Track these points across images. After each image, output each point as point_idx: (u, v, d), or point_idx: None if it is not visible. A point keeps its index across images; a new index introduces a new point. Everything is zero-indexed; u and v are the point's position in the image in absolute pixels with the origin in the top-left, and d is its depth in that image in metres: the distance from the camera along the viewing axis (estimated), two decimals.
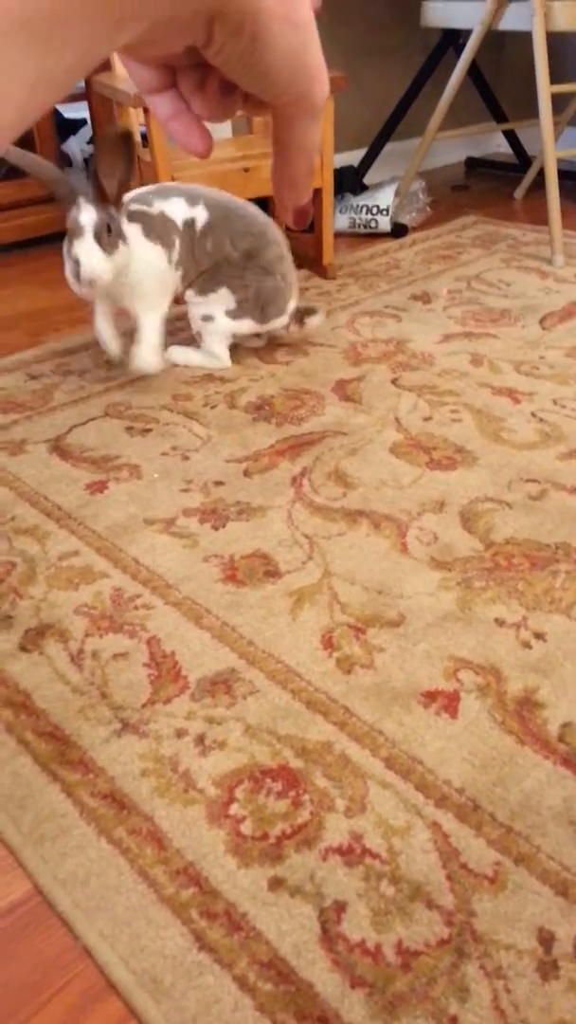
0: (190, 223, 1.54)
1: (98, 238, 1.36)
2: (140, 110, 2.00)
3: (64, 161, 2.66)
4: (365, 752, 0.86)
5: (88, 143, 3.07)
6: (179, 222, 1.53)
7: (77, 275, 1.37)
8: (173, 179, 1.96)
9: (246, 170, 2.01)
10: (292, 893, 0.73)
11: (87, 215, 1.36)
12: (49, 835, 0.79)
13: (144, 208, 1.50)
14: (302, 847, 0.77)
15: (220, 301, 1.59)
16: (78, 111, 3.17)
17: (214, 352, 1.66)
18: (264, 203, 2.44)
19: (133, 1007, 0.67)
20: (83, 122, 3.23)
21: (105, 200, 1.37)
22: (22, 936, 0.72)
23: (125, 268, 1.43)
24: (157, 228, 1.50)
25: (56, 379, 1.67)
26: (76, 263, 1.36)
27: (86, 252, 1.36)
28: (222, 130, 2.63)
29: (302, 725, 0.89)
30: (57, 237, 2.48)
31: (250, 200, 2.57)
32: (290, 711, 0.91)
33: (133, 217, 1.47)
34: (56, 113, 2.54)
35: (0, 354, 1.78)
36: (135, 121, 2.15)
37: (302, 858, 0.76)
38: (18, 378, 1.68)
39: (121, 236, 1.40)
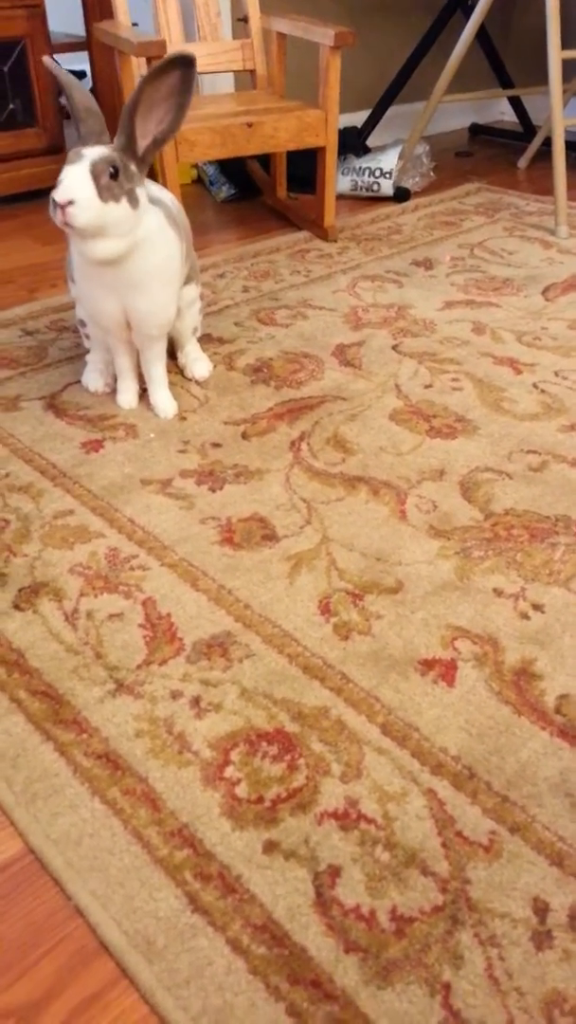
0: (167, 209, 1.29)
1: (95, 174, 1.10)
2: (144, 61, 1.93)
3: (62, 114, 2.56)
4: (361, 718, 0.84)
5: None
6: (173, 207, 1.31)
7: (57, 204, 1.10)
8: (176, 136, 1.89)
9: (249, 125, 1.94)
10: (286, 857, 0.72)
11: (95, 149, 1.11)
12: (41, 794, 0.77)
13: (155, 192, 1.26)
14: (297, 811, 0.75)
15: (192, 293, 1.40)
16: (77, 62, 3.06)
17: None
18: (265, 160, 2.37)
19: (125, 968, 0.65)
20: (82, 74, 3.12)
21: (132, 149, 1.15)
22: (13, 895, 0.71)
23: (140, 250, 1.19)
24: (175, 216, 1.28)
25: (51, 335, 1.62)
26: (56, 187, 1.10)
27: (71, 174, 1.10)
28: (223, 84, 2.54)
29: (298, 690, 0.87)
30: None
31: (254, 156, 2.50)
32: (286, 675, 0.89)
33: (154, 200, 1.24)
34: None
35: None
36: (137, 73, 2.07)
37: (297, 822, 0.74)
38: (12, 333, 1.63)
39: (129, 194, 1.14)
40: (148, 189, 1.25)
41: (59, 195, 1.10)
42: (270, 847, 0.72)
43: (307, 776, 0.78)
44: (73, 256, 1.26)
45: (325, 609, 0.98)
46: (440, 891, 0.69)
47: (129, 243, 1.17)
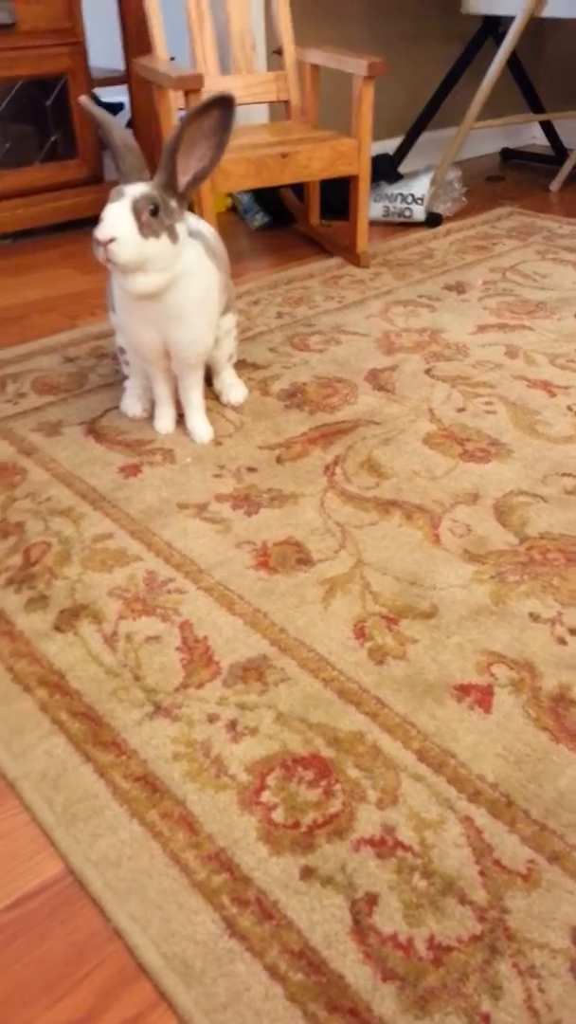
0: (206, 241, 1.32)
1: (136, 211, 1.13)
2: (181, 94, 1.98)
3: (101, 146, 2.63)
4: (397, 744, 0.84)
5: (126, 127, 3.04)
6: (212, 239, 1.33)
7: (97, 230, 1.14)
8: None
9: (284, 155, 1.98)
10: (323, 883, 0.72)
11: (136, 187, 1.14)
12: (81, 815, 0.78)
13: (195, 224, 1.28)
14: (334, 837, 0.75)
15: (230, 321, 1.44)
16: (116, 95, 3.14)
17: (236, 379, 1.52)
18: (299, 188, 2.41)
19: (164, 991, 0.66)
20: (120, 106, 3.21)
21: (173, 186, 1.17)
22: (54, 916, 0.72)
23: (179, 283, 1.22)
24: (213, 248, 1.30)
25: (91, 362, 1.66)
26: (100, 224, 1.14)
27: (113, 212, 1.13)
28: (258, 115, 2.59)
29: (334, 714, 0.88)
30: (96, 220, 2.48)
31: (288, 186, 2.54)
32: (322, 700, 0.89)
33: (193, 233, 1.27)
34: (94, 97, 2.52)
35: (37, 336, 1.77)
36: (175, 106, 2.12)
37: (334, 848, 0.74)
38: (54, 360, 1.67)
39: (169, 230, 1.17)
40: (187, 222, 1.28)
41: (101, 233, 1.13)
42: (307, 873, 0.73)
43: (343, 802, 0.78)
44: (114, 287, 1.30)
45: (360, 633, 0.98)
46: (478, 920, 0.69)
47: (169, 277, 1.20)
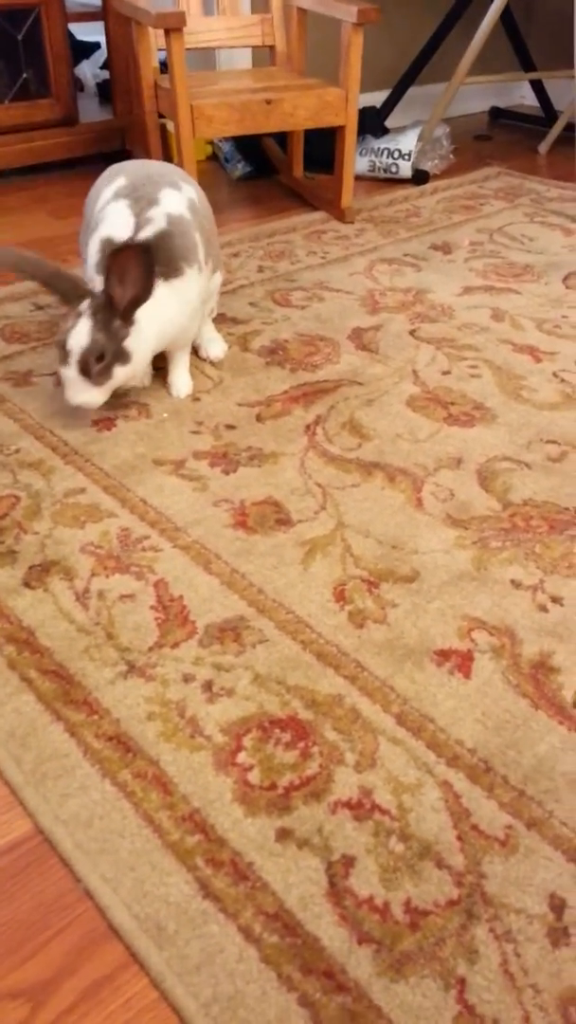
0: (191, 207, 1.29)
1: (84, 367, 1.15)
2: (160, 32, 1.89)
3: (76, 86, 2.52)
4: (376, 707, 0.83)
5: (101, 68, 2.92)
6: (187, 213, 1.27)
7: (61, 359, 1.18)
8: (192, 108, 1.86)
9: (268, 102, 1.91)
10: (300, 845, 0.71)
11: (77, 337, 1.14)
12: (52, 774, 0.76)
13: (163, 227, 1.22)
14: (310, 799, 0.75)
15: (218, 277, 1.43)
16: (92, 33, 3.01)
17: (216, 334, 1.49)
18: (281, 139, 2.34)
19: (135, 952, 0.65)
20: (96, 45, 3.08)
21: (112, 310, 1.16)
22: (22, 876, 0.70)
23: (170, 324, 1.25)
24: (177, 248, 1.23)
25: (63, 310, 1.60)
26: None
27: (70, 382, 1.17)
28: (241, 59, 2.50)
29: (312, 677, 0.86)
30: (69, 163, 2.38)
31: (271, 135, 2.46)
32: (300, 662, 0.88)
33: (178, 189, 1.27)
34: (69, 35, 2.40)
35: (6, 282, 1.71)
36: (154, 46, 2.03)
37: (310, 810, 0.74)
38: (24, 307, 1.61)
39: (119, 359, 1.17)
40: (172, 178, 1.29)
41: (71, 403, 1.19)
42: (283, 835, 0.72)
43: (320, 764, 0.78)
44: (88, 238, 1.26)
45: (340, 596, 0.97)
46: (455, 884, 0.69)
47: (145, 355, 1.24)
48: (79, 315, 1.16)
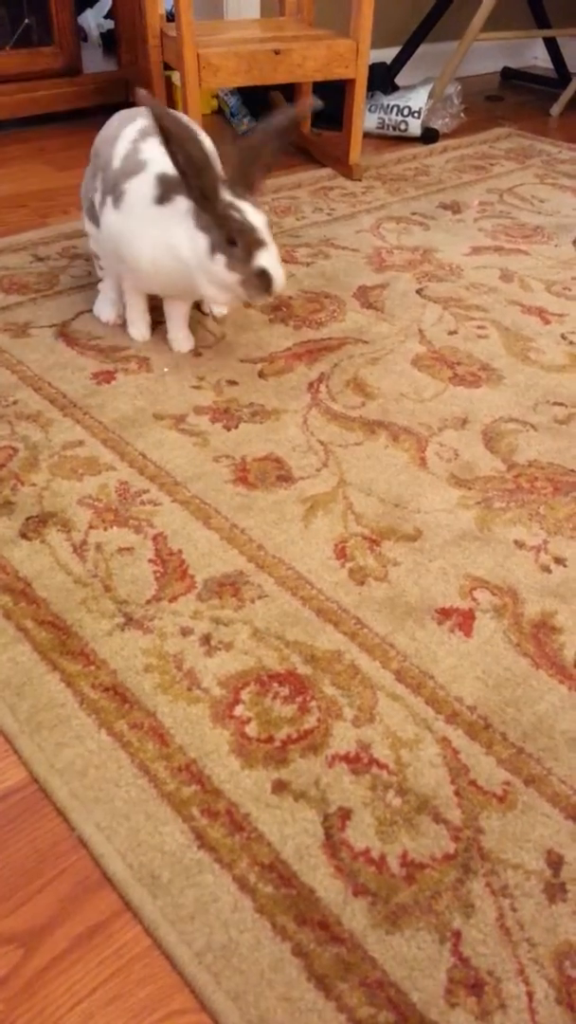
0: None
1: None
2: None
3: (80, 35, 2.45)
4: (375, 664, 0.82)
5: (106, 17, 2.83)
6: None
7: (265, 288, 1.11)
8: (198, 57, 1.80)
9: (276, 52, 1.85)
10: (296, 797, 0.70)
11: (258, 215, 1.10)
12: (47, 724, 0.75)
13: (163, 170, 1.15)
14: (308, 752, 0.73)
15: None
16: None
17: None
18: (289, 89, 2.27)
19: (128, 900, 0.64)
20: None
21: (251, 192, 1.12)
22: (16, 823, 0.69)
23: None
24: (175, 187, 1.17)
25: (63, 262, 1.56)
26: (262, 274, 1.10)
27: (276, 263, 1.11)
28: (250, 9, 2.43)
29: (311, 632, 0.85)
30: (70, 115, 2.31)
31: (278, 87, 2.39)
32: (299, 618, 0.87)
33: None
34: None
35: (5, 233, 1.67)
36: None
37: (307, 763, 0.73)
38: (23, 258, 1.57)
39: None
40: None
41: (277, 288, 1.11)
42: (280, 787, 0.71)
43: (318, 718, 0.76)
44: (92, 193, 1.24)
45: (341, 553, 0.95)
46: (452, 839, 0.68)
47: None
48: (235, 195, 1.10)
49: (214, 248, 1.10)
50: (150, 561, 0.92)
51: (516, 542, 0.98)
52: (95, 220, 1.26)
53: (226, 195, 1.09)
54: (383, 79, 2.48)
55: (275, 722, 0.76)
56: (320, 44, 1.90)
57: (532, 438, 1.15)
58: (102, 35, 2.78)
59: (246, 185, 1.12)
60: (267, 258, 1.10)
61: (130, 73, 2.37)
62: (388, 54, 2.65)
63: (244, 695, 0.78)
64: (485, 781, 0.72)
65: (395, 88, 2.48)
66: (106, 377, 1.24)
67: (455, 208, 1.88)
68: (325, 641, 0.84)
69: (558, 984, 0.60)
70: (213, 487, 1.04)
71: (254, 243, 1.09)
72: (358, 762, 0.73)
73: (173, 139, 1.06)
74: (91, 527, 0.96)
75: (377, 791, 0.71)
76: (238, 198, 1.10)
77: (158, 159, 1.15)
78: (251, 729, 0.75)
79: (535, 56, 3.26)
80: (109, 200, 1.19)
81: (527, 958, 0.61)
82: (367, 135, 2.30)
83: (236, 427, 1.15)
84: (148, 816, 0.69)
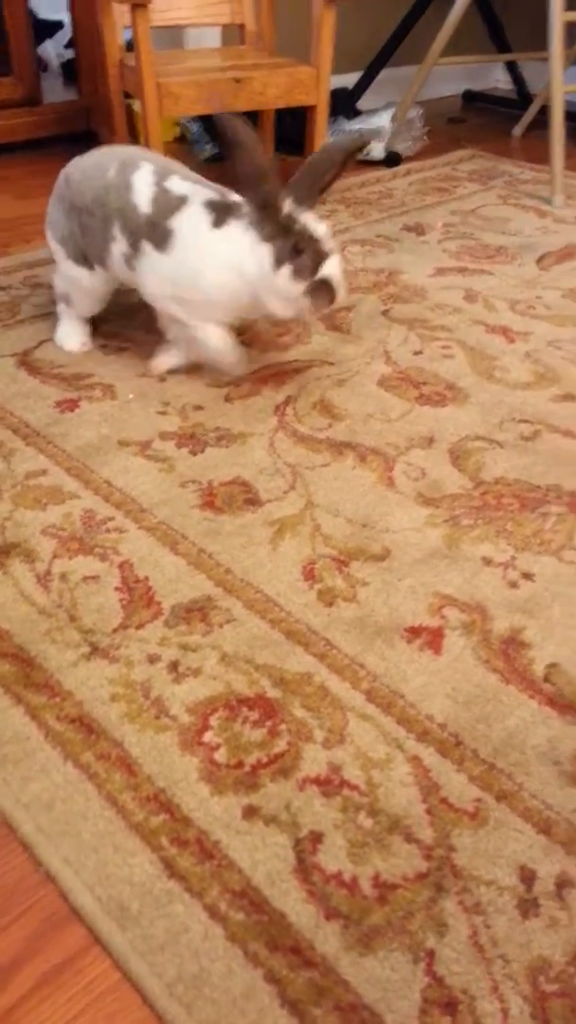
0: None
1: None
2: (127, 9, 1.88)
3: (39, 66, 2.50)
4: (345, 684, 0.83)
5: (66, 46, 2.89)
6: None
7: (329, 297, 1.16)
8: (158, 86, 1.85)
9: (238, 80, 1.90)
10: (267, 822, 0.71)
11: (321, 225, 1.14)
12: (12, 758, 0.75)
13: (207, 198, 1.20)
14: (278, 776, 0.74)
15: None
16: (55, 10, 2.98)
17: None
18: (254, 116, 2.33)
19: (97, 934, 0.64)
20: (60, 24, 3.05)
21: (311, 205, 1.17)
22: None
23: None
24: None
25: (25, 291, 1.59)
26: (326, 284, 1.14)
27: (340, 270, 1.16)
28: (210, 38, 2.49)
29: (281, 655, 0.86)
30: (32, 144, 2.35)
31: (242, 114, 2.45)
32: (269, 641, 0.88)
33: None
34: (31, 14, 2.37)
35: None
36: (120, 23, 2.02)
37: (278, 787, 0.74)
38: None
39: None
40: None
41: (342, 297, 1.17)
42: (250, 812, 0.72)
43: (289, 742, 0.77)
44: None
45: (309, 575, 0.97)
46: (424, 858, 0.69)
47: None
48: (297, 207, 1.14)
49: (279, 259, 1.13)
50: (116, 589, 0.93)
51: (484, 559, 1.00)
52: (88, 264, 1.28)
53: (289, 205, 1.13)
54: (345, 104, 2.55)
55: (245, 747, 0.77)
56: (281, 72, 1.95)
57: (499, 455, 1.18)
58: (62, 65, 2.83)
59: (307, 198, 1.15)
60: (332, 267, 1.14)
61: (91, 102, 2.42)
62: (350, 79, 2.73)
63: (213, 721, 0.79)
64: (456, 798, 0.73)
65: (357, 113, 2.56)
66: (70, 405, 1.25)
67: (419, 230, 1.94)
68: (294, 664, 0.86)
69: (532, 1000, 0.61)
70: (180, 512, 1.05)
71: (319, 253, 1.13)
72: (329, 784, 0.74)
73: (243, 146, 1.10)
74: (55, 556, 0.97)
75: (348, 813, 0.72)
76: (300, 209, 1.14)
77: (195, 191, 1.19)
78: (220, 755, 0.76)
79: (497, 79, 3.37)
80: (147, 246, 1.20)
81: (501, 975, 0.62)
82: None
83: (202, 452, 1.17)
84: (116, 848, 0.69)
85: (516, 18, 3.03)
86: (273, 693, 0.82)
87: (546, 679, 0.85)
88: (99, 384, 1.31)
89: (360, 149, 1.21)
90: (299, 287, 1.14)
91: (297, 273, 1.13)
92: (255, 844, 0.69)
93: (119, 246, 1.23)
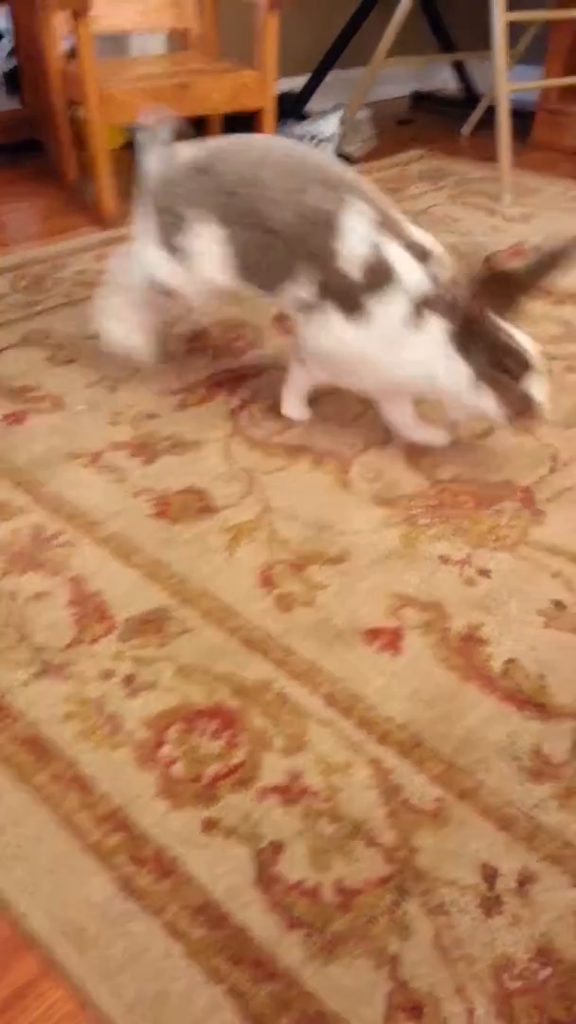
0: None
1: None
2: (68, 16, 1.87)
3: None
4: (305, 690, 0.83)
5: (8, 55, 2.87)
6: None
7: (530, 418, 1.08)
8: (103, 93, 1.84)
9: (182, 86, 1.90)
10: (227, 834, 0.70)
11: (532, 342, 1.05)
12: None
13: (412, 286, 1.05)
14: (238, 787, 0.74)
15: None
16: None
17: None
18: (199, 123, 2.33)
19: (54, 958, 0.63)
20: (0, 34, 3.02)
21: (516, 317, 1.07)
22: None
23: None
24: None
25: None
26: (526, 403, 1.05)
27: (547, 391, 1.07)
28: (154, 45, 2.49)
29: (239, 664, 0.86)
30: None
31: (187, 119, 2.45)
32: (227, 650, 0.88)
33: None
34: None
35: None
36: (59, 31, 2.01)
37: (237, 799, 0.73)
38: None
39: None
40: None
41: (546, 420, 1.10)
42: (209, 826, 0.71)
43: (248, 751, 0.77)
44: (318, 297, 1.08)
45: (267, 581, 0.97)
46: (387, 861, 0.69)
47: None
48: (503, 325, 1.04)
49: (480, 376, 1.04)
50: (68, 605, 0.92)
51: (441, 557, 1.01)
52: (230, 275, 1.14)
53: (494, 318, 1.04)
54: (293, 108, 2.57)
55: (203, 759, 0.76)
56: (226, 76, 1.96)
57: (454, 454, 1.19)
58: (5, 74, 2.81)
59: (513, 309, 1.05)
60: (536, 387, 1.05)
61: (34, 112, 2.41)
62: (298, 82, 2.75)
63: (169, 735, 0.78)
64: (418, 799, 0.74)
65: (306, 116, 2.57)
66: (17, 418, 1.24)
67: None
68: (253, 671, 0.85)
69: (498, 998, 0.61)
70: (133, 523, 1.04)
71: (528, 374, 1.04)
72: (289, 792, 0.74)
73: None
74: (4, 574, 0.96)
75: (309, 820, 0.72)
76: (507, 322, 1.04)
77: (403, 270, 1.04)
78: (177, 770, 0.75)
79: (445, 79, 3.41)
80: (335, 308, 1.07)
81: (466, 975, 0.62)
82: None
83: (155, 461, 1.16)
84: (72, 869, 0.68)
85: (461, 18, 3.07)
86: (232, 703, 0.82)
87: (504, 675, 0.86)
88: (47, 396, 1.30)
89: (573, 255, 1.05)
90: (498, 408, 1.06)
91: (500, 394, 1.05)
92: (215, 858, 0.69)
93: (298, 289, 1.08)
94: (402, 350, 1.06)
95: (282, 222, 1.06)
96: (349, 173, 1.12)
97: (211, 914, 0.65)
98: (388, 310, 1.05)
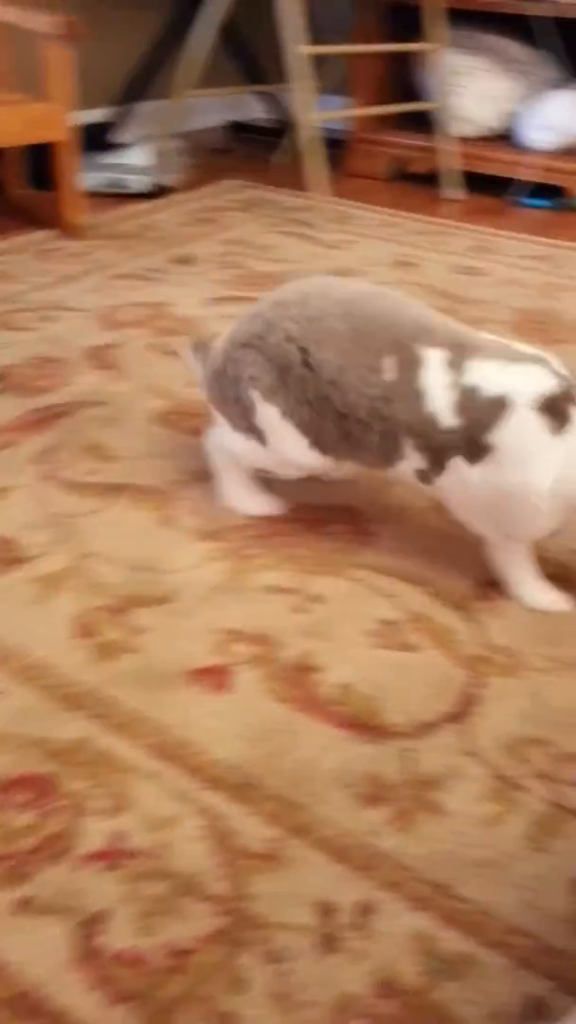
0: None
1: None
2: None
3: None
4: (125, 744, 0.81)
5: None
6: None
7: None
8: None
9: None
10: (42, 912, 0.66)
11: None
12: None
13: (534, 393, 0.95)
14: (53, 860, 0.70)
15: None
16: None
17: None
18: None
19: None
20: None
21: None
22: None
23: None
24: None
25: None
26: None
27: None
28: None
29: (53, 724, 0.82)
30: None
31: None
32: (40, 711, 0.84)
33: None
34: None
35: None
36: None
37: (54, 872, 0.69)
38: None
39: None
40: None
41: None
42: (23, 906, 0.67)
43: (64, 820, 0.74)
44: (429, 463, 0.99)
45: (85, 630, 0.94)
46: (220, 914, 0.67)
47: None
48: None
49: None
50: None
51: (268, 588, 1.02)
52: (328, 456, 1.06)
53: None
54: (101, 139, 2.58)
55: (13, 836, 0.72)
56: (15, 109, 1.95)
57: (281, 481, 1.21)
58: None
59: None
60: None
61: None
62: (107, 113, 2.77)
63: None
64: (252, 843, 0.73)
65: (115, 147, 2.59)
66: None
67: (187, 261, 1.98)
68: (68, 731, 0.82)
69: None
70: None
71: None
72: (110, 857, 0.71)
73: None
74: None
75: (134, 883, 0.69)
76: None
77: (513, 383, 0.95)
78: None
79: (262, 109, 3.55)
80: (458, 461, 0.97)
81: (308, 1021, 0.61)
82: (94, 194, 2.36)
83: None
84: None
85: (269, 49, 3.21)
86: (43, 768, 0.78)
87: (337, 700, 0.87)
88: None
89: None
90: None
91: None
92: (29, 940, 0.65)
93: (411, 463, 1.01)
94: (553, 463, 0.94)
95: (358, 408, 1.00)
96: (413, 310, 1.04)
97: (27, 1002, 0.61)
98: (518, 433, 0.95)
